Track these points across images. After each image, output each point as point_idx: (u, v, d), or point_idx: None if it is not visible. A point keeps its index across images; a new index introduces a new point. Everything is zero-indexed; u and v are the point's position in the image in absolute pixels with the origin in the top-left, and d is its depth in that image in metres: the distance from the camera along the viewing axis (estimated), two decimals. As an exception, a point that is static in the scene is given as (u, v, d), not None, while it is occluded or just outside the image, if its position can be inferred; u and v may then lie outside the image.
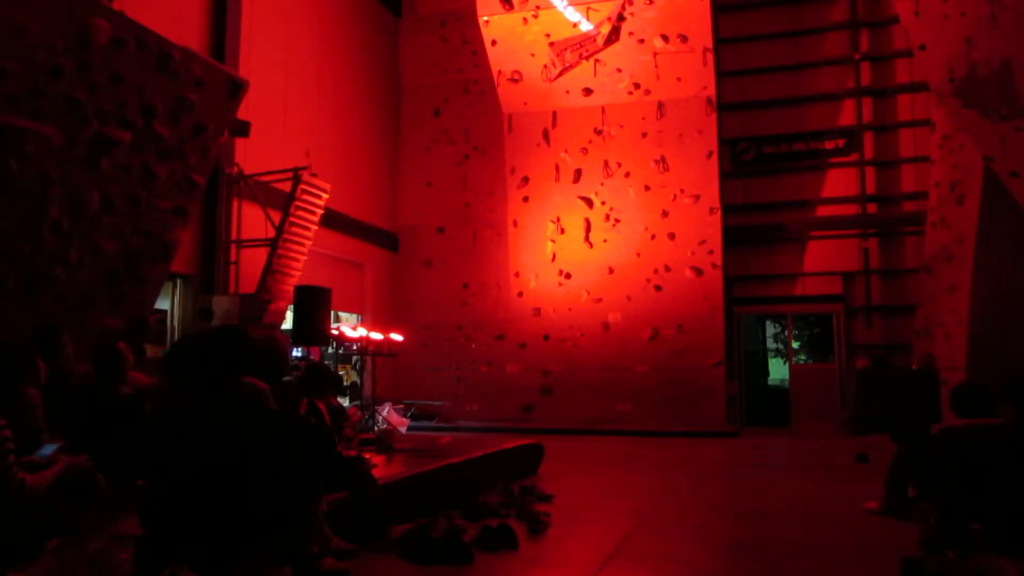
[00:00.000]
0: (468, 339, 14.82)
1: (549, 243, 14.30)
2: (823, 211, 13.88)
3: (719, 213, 13.43)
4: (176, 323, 9.76)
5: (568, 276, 14.08)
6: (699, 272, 13.39)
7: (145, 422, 3.84)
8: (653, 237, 13.64)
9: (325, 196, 9.99)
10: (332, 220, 12.12)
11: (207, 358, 3.37)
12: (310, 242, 9.96)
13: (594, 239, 14.00)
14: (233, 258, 10.32)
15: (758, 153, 14.27)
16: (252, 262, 10.18)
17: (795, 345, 16.66)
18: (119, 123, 6.44)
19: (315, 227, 9.97)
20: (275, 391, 3.98)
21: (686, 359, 13.22)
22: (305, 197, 9.69)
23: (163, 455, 3.17)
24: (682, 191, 13.59)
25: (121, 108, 6.42)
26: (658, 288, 13.54)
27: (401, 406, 13.11)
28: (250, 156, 10.50)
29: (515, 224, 14.61)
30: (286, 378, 5.47)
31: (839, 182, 13.87)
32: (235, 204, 10.45)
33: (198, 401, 3.25)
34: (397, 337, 11.52)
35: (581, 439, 11.61)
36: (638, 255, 13.68)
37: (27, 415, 3.73)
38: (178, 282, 9.85)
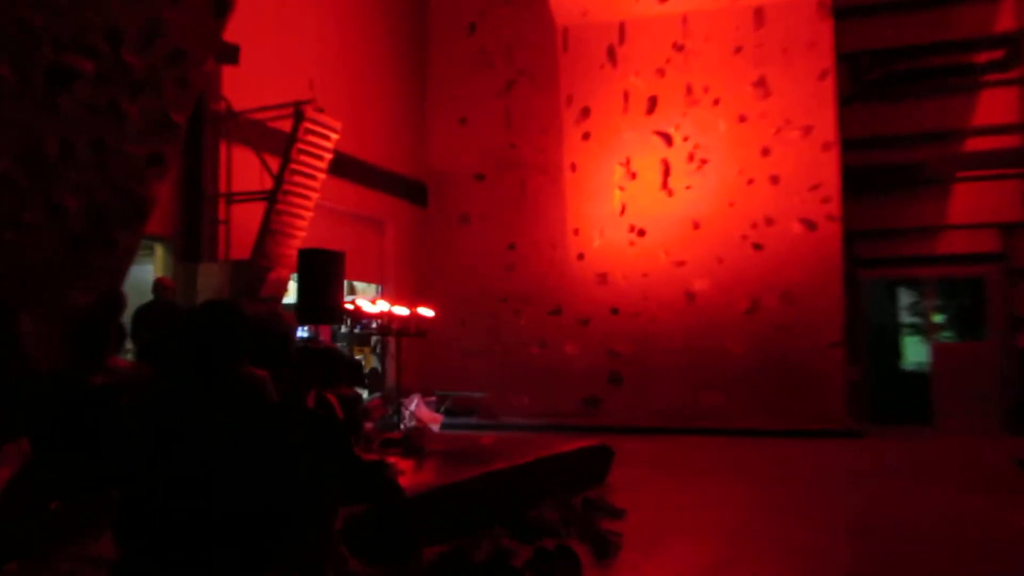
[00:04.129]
0: (516, 314, 14.88)
1: (617, 191, 14.22)
2: (974, 144, 13.52)
3: (837, 149, 13.19)
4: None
5: (641, 233, 14.02)
6: (811, 226, 13.20)
7: (122, 418, 3.95)
8: (750, 182, 13.48)
9: (335, 136, 10.05)
10: (344, 167, 12.20)
11: (195, 341, 3.44)
12: (317, 194, 10.05)
13: (674, 186, 13.89)
14: (222, 216, 10.48)
15: (887, 71, 13.94)
16: (246, 220, 10.33)
17: (937, 319, 16.34)
18: (79, 51, 6.55)
19: (323, 176, 10.05)
20: (278, 380, 4.06)
21: (794, 337, 13.10)
22: (310, 138, 9.76)
23: (144, 458, 3.25)
24: (788, 122, 13.36)
25: (81, 33, 6.52)
26: (757, 247, 13.40)
27: (433, 399, 13.26)
28: (241, 89, 10.60)
29: (573, 168, 14.52)
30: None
31: (995, 107, 13.48)
32: (223, 149, 10.58)
33: (185, 393, 3.32)
34: (427, 312, 11.61)
35: (659, 439, 11.65)
36: (731, 205, 13.54)
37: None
38: (156, 247, 10.05)
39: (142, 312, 8.43)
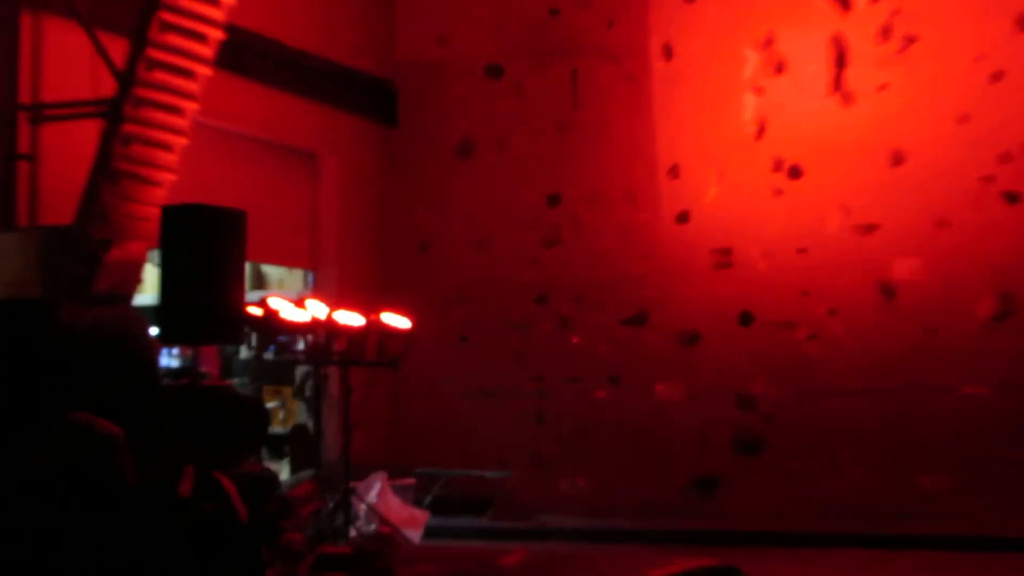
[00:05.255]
0: (563, 324, 14.88)
1: (749, 97, 14.27)
2: None
3: None
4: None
5: (796, 173, 14.05)
6: (1110, 159, 13.17)
7: None
8: (997, 77, 13.47)
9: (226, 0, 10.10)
10: (245, 56, 12.24)
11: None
12: (195, 106, 10.07)
13: (856, 85, 13.90)
14: (25, 147, 10.52)
15: None
16: (68, 154, 10.36)
17: None
18: None
19: (206, 71, 10.07)
20: (133, 439, 4.09)
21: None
22: (182, 3, 9.79)
23: None
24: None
25: None
26: (1011, 198, 13.39)
27: (409, 481, 13.26)
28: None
29: (668, 54, 14.55)
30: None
31: None
32: (26, 23, 10.62)
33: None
34: (398, 322, 11.63)
35: (831, 555, 11.60)
36: (962, 121, 13.50)
37: None
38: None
39: None
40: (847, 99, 13.94)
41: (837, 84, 13.98)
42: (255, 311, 10.59)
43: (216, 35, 10.10)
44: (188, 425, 5.94)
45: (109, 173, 9.62)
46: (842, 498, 13.28)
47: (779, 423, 13.91)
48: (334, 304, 11.45)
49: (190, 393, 6.32)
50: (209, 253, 9.75)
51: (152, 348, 5.46)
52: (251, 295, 11.59)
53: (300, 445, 13.42)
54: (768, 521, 12.93)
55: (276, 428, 13.18)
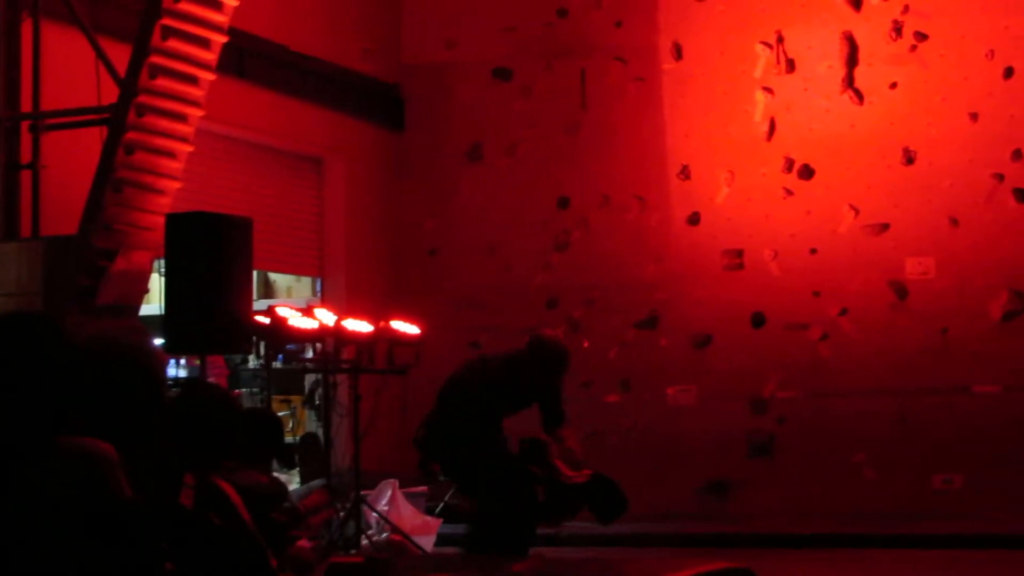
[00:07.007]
0: (574, 328, 14.80)
1: (760, 96, 14.23)
2: None
3: None
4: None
5: (807, 173, 14.02)
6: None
7: None
8: (1008, 73, 13.42)
9: (230, 3, 10.04)
10: (250, 61, 12.22)
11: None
12: (200, 112, 10.04)
13: (866, 83, 13.89)
14: (27, 156, 10.51)
15: None
16: (71, 163, 10.35)
17: None
18: None
19: (209, 77, 10.06)
20: (134, 459, 4.07)
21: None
22: (184, 7, 9.77)
23: None
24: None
25: None
26: (1022, 197, 13.36)
27: (422, 489, 13.21)
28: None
29: (678, 53, 14.51)
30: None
31: None
32: (26, 30, 10.60)
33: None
34: (408, 329, 11.60)
35: (845, 558, 11.57)
36: (974, 118, 13.50)
37: None
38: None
39: None
40: (858, 98, 13.92)
41: (848, 82, 13.97)
42: (263, 320, 10.57)
43: (219, 40, 10.07)
44: (189, 434, 5.91)
45: (112, 182, 9.59)
46: (856, 499, 13.34)
47: (792, 425, 13.92)
48: (343, 312, 11.43)
49: (194, 402, 6.28)
50: (215, 261, 9.74)
51: (157, 360, 5.43)
52: (259, 304, 11.58)
53: (310, 454, 13.38)
54: (782, 523, 12.91)
55: (286, 438, 13.14)
